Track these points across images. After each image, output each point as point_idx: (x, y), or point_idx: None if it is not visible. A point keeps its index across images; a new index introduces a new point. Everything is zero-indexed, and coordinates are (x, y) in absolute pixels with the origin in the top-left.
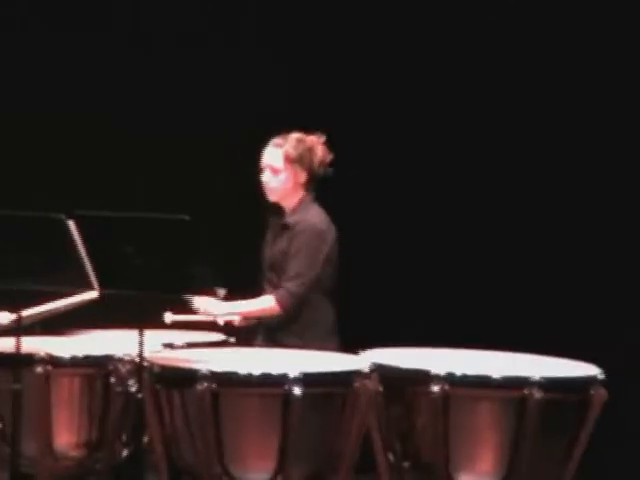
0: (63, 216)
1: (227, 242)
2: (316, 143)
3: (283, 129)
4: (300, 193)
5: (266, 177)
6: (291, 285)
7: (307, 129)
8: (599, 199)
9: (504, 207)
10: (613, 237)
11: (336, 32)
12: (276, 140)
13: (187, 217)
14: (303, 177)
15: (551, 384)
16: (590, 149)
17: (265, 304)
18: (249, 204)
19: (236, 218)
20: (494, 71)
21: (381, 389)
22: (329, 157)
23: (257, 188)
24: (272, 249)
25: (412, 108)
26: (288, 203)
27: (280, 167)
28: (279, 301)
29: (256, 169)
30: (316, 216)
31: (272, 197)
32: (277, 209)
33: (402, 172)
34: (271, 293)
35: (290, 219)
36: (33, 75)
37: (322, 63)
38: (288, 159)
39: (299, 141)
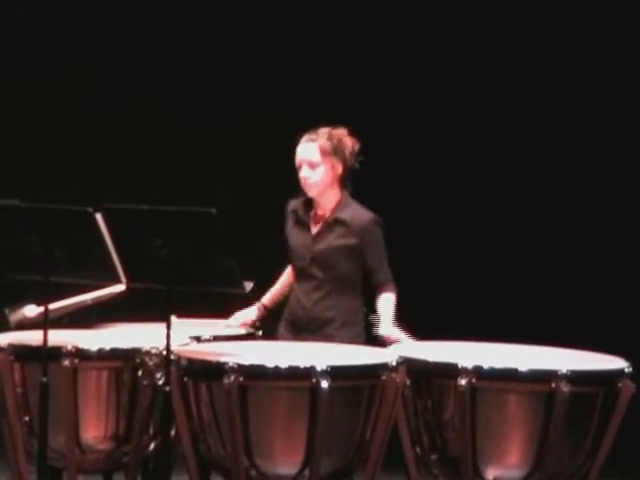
0: (91, 209)
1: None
2: (343, 134)
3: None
4: (337, 188)
5: (305, 172)
6: (390, 277)
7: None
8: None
9: (533, 204)
10: None
11: (337, 33)
12: (308, 135)
13: (214, 210)
14: (339, 169)
15: (579, 377)
16: (605, 138)
17: (393, 302)
18: (250, 204)
19: (237, 218)
20: (495, 69)
21: (408, 382)
22: (357, 146)
23: (256, 188)
24: (316, 244)
25: (417, 105)
26: (327, 199)
27: (318, 161)
28: (396, 295)
29: (256, 170)
30: (365, 211)
31: (312, 192)
32: (306, 200)
33: (437, 169)
34: (312, 286)
35: (340, 215)
36: (38, 74)
37: (323, 64)
38: (324, 152)
39: (330, 134)
